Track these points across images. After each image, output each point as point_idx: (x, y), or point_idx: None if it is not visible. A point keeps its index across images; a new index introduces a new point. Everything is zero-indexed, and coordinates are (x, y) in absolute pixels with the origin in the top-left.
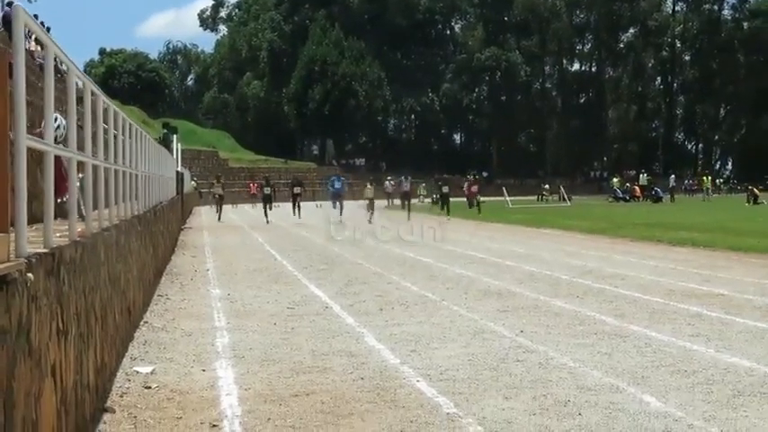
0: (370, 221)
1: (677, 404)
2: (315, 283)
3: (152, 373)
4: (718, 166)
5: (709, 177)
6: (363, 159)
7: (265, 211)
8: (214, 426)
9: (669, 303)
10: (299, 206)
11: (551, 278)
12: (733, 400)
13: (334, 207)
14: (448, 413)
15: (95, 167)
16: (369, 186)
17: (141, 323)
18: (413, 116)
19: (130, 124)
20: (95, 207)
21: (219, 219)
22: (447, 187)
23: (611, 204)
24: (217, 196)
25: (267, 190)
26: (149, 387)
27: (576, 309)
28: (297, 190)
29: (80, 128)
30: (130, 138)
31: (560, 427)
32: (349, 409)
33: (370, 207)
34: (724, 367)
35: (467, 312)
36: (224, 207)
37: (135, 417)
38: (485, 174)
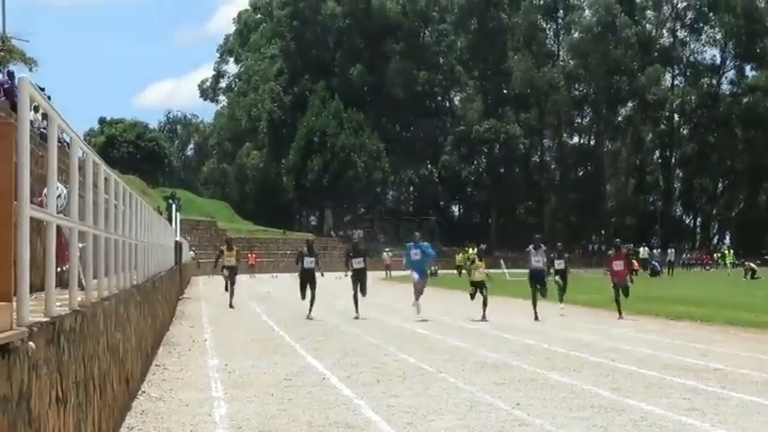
0: (484, 317)
1: None
2: (312, 354)
3: None
4: (716, 240)
5: (731, 251)
6: (361, 231)
7: (306, 294)
8: None
9: (666, 377)
10: (362, 288)
11: (548, 351)
12: None
13: (417, 292)
14: None
15: (96, 237)
16: (477, 260)
17: (139, 393)
18: (411, 188)
19: (131, 194)
20: (95, 276)
21: (231, 303)
22: (562, 262)
23: (608, 278)
24: (226, 270)
25: (309, 262)
26: None
27: (572, 382)
28: (358, 263)
29: (81, 197)
30: (130, 207)
31: None
32: None
33: (481, 293)
34: None
35: (464, 385)
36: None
37: None
38: (483, 246)
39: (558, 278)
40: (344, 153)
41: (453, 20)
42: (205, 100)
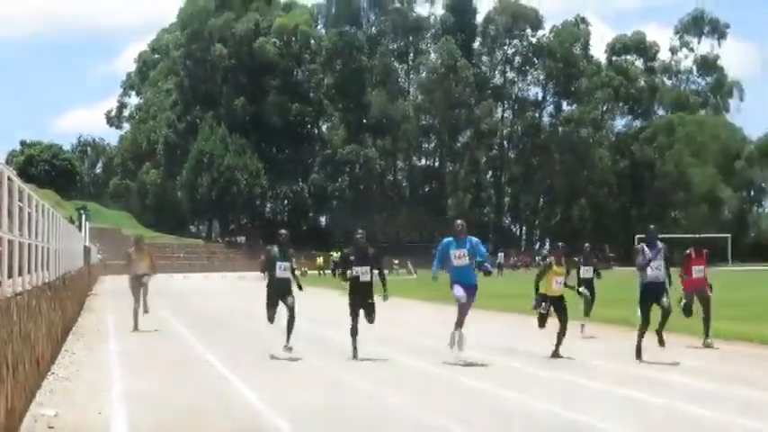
0: (557, 352)
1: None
2: (203, 343)
3: (55, 415)
4: (538, 246)
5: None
6: (244, 237)
7: (274, 316)
8: None
9: (487, 357)
10: (368, 312)
11: (392, 336)
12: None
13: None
14: None
15: (11, 241)
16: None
17: (49, 373)
18: (286, 201)
19: (43, 205)
20: (10, 275)
21: (136, 325)
22: (590, 269)
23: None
24: (136, 280)
25: (283, 268)
26: (52, 427)
27: (413, 362)
28: (364, 273)
29: None
30: (43, 217)
31: None
32: None
33: (558, 316)
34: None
35: (325, 366)
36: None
37: None
38: (346, 250)
39: (583, 288)
40: (229, 172)
41: (321, 61)
42: (111, 126)
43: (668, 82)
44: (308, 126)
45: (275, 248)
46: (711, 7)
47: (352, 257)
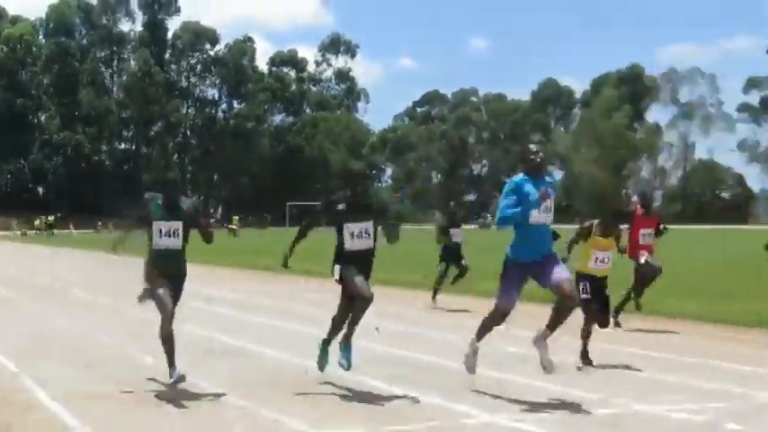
0: None
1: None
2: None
3: None
4: (220, 211)
5: (238, 217)
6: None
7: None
8: None
9: (238, 313)
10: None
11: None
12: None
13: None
14: (12, 371)
15: None
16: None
17: None
18: (9, 176)
19: None
20: None
21: None
22: (459, 231)
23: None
24: None
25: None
26: None
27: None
28: (362, 235)
29: None
30: None
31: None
32: None
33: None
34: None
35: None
36: None
37: None
38: (59, 214)
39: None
40: None
41: (41, 64)
42: None
43: (314, 88)
44: (30, 117)
45: (156, 199)
46: (345, 31)
47: (340, 206)
